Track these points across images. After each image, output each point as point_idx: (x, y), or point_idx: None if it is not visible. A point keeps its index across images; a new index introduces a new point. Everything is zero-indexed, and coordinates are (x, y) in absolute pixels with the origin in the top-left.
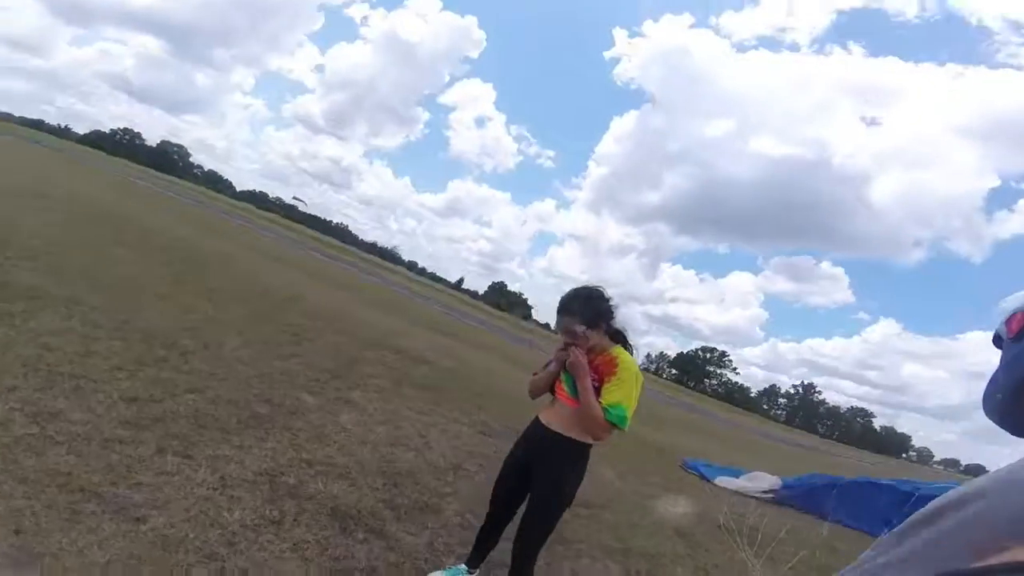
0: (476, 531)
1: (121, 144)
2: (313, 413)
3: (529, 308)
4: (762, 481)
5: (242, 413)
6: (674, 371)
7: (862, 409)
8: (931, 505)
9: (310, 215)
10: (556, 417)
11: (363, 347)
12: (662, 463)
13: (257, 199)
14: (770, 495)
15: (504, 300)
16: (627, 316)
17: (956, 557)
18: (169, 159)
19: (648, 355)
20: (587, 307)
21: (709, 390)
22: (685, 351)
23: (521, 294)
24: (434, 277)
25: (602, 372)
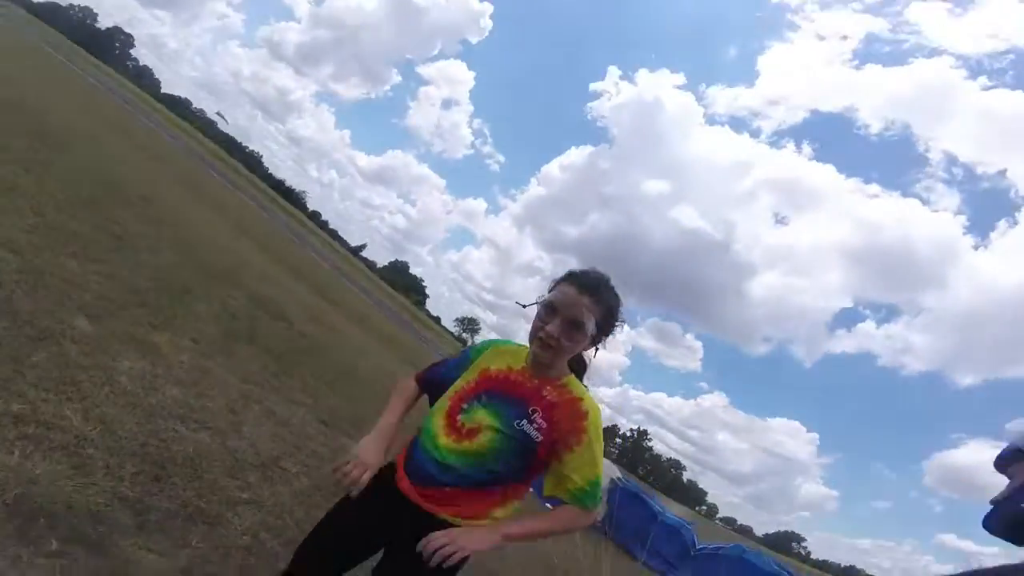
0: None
1: (72, 21)
2: (80, 345)
3: (425, 296)
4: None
5: None
6: None
7: (677, 461)
8: None
9: (226, 134)
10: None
11: (205, 277)
12: None
13: (179, 105)
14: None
15: (400, 280)
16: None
17: None
18: (109, 46)
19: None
20: (611, 309)
21: None
22: None
23: (421, 280)
24: (333, 234)
25: (561, 424)
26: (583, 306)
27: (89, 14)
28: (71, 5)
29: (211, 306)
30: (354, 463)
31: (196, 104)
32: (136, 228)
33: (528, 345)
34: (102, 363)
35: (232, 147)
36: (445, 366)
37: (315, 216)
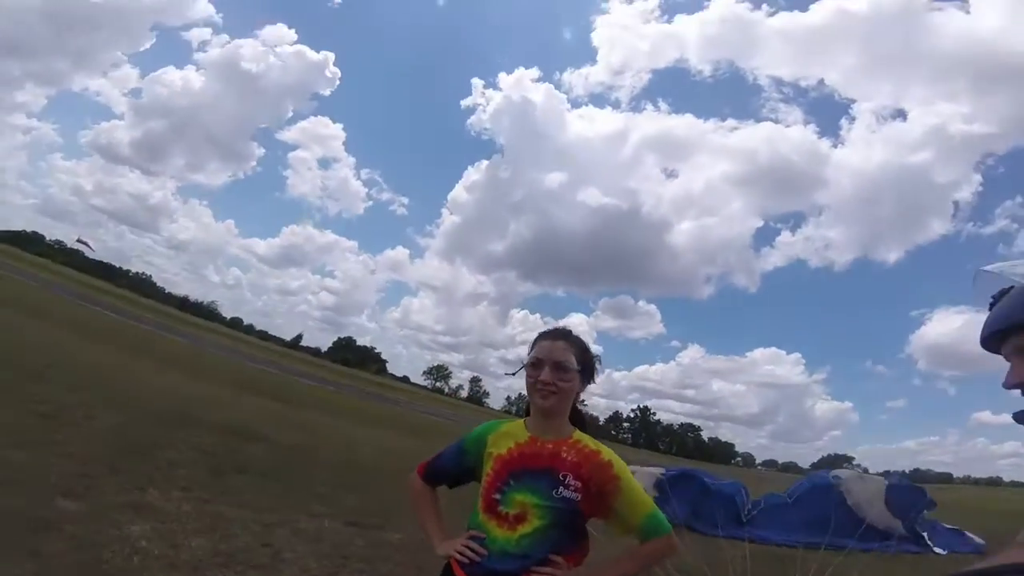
0: None
1: None
2: (79, 525)
3: (383, 362)
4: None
5: None
6: None
7: (690, 424)
8: None
9: (98, 261)
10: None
11: (159, 425)
12: None
13: (29, 240)
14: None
15: (353, 356)
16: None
17: None
18: None
19: (508, 397)
20: (584, 346)
21: None
22: None
23: (373, 348)
24: (265, 335)
25: (592, 479)
26: (560, 349)
27: None
28: None
29: (182, 452)
30: (462, 543)
31: (49, 236)
32: (61, 399)
33: (517, 418)
34: (113, 535)
35: (112, 273)
36: (441, 459)
37: (237, 323)
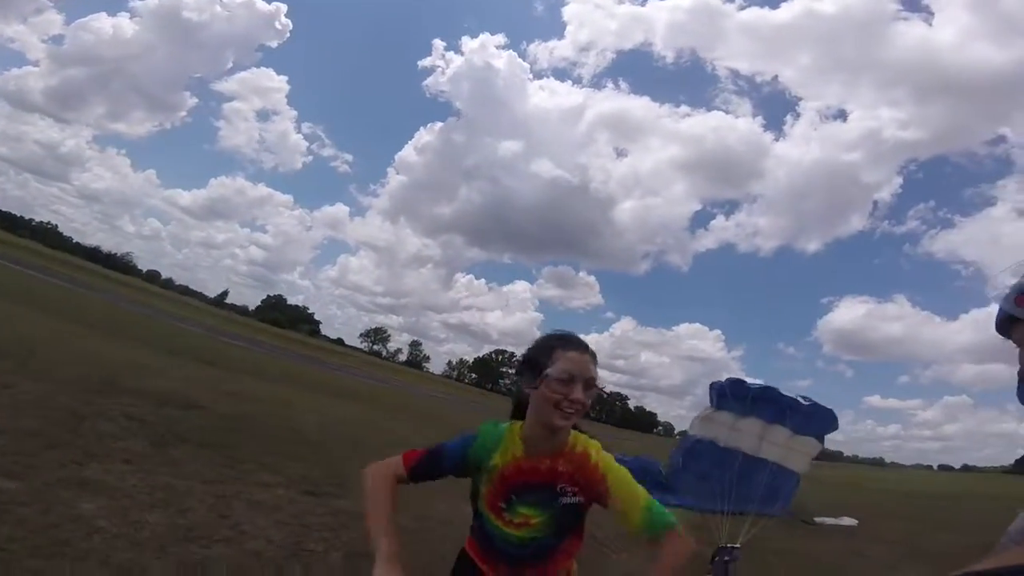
0: None
1: None
2: (27, 508)
3: (316, 323)
4: None
5: None
6: (474, 375)
7: (619, 393)
8: None
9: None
10: None
11: (90, 394)
12: None
13: None
14: None
15: (283, 316)
16: None
17: None
18: None
19: (449, 362)
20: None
21: (504, 390)
22: (480, 355)
23: (306, 308)
24: (186, 290)
25: (588, 486)
26: (591, 365)
27: None
28: None
29: (116, 422)
30: None
31: None
32: None
33: (512, 422)
34: (65, 515)
35: (15, 224)
36: (440, 461)
37: (154, 277)
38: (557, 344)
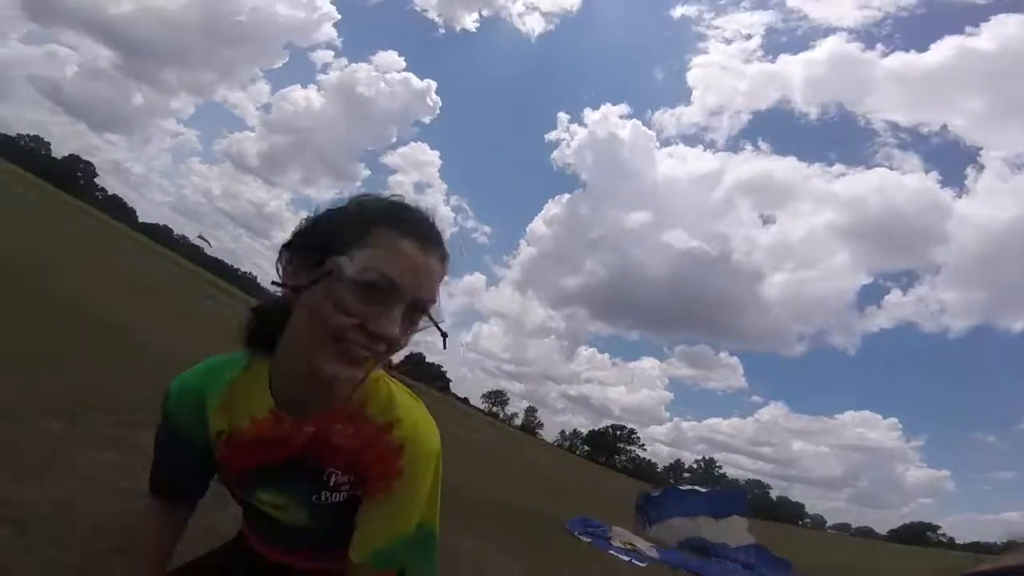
0: None
1: (23, 152)
2: (43, 437)
3: (448, 381)
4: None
5: None
6: (587, 448)
7: (758, 481)
8: None
9: (215, 259)
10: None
11: None
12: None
13: (159, 233)
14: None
15: (422, 372)
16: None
17: None
18: (71, 175)
19: (563, 431)
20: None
21: (619, 466)
22: (597, 428)
23: (440, 367)
24: None
25: (372, 471)
26: (436, 274)
27: (41, 143)
28: (19, 136)
29: None
30: None
31: (177, 230)
32: (111, 354)
33: (257, 359)
34: (69, 455)
35: (223, 271)
36: (163, 466)
37: None
38: (384, 219)
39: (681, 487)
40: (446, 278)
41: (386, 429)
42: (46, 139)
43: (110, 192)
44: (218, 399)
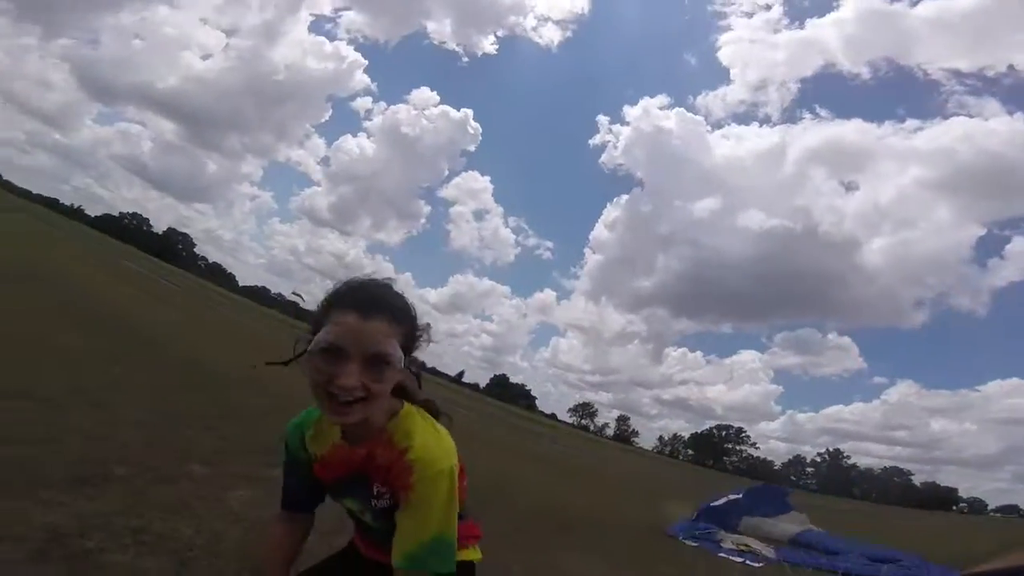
0: None
1: (128, 229)
2: (195, 484)
3: (533, 399)
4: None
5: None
6: (691, 452)
7: (897, 468)
8: None
9: (309, 311)
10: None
11: None
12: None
13: (258, 294)
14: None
15: (506, 392)
16: (434, 351)
17: None
18: (173, 248)
19: (661, 437)
20: (409, 316)
21: (731, 467)
22: (699, 431)
23: (524, 385)
24: (434, 371)
25: (397, 486)
26: (378, 332)
27: (142, 220)
28: (122, 215)
29: None
30: None
31: (273, 289)
32: (242, 400)
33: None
34: (215, 494)
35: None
36: (288, 485)
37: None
38: (333, 300)
39: (713, 503)
40: (417, 330)
41: (404, 452)
42: (144, 215)
43: (211, 260)
44: (311, 432)
